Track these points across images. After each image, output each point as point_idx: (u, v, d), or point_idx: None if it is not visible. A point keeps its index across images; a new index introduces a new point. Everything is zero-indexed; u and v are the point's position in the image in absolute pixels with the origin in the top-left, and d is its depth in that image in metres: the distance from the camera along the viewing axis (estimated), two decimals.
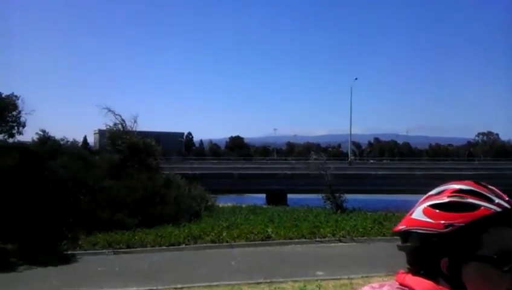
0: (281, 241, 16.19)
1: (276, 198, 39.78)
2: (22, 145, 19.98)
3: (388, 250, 14.67)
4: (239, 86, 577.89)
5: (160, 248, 15.48)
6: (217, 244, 15.84)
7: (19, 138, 18.44)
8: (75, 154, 22.56)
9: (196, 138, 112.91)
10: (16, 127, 17.00)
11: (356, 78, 66.18)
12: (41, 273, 12.77)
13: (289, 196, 44.80)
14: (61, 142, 23.36)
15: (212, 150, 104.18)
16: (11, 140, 18.37)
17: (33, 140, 21.76)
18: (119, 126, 25.45)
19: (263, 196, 46.04)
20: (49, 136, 22.11)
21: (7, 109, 16.33)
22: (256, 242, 16.03)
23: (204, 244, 15.76)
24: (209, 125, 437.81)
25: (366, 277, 11.37)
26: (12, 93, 16.68)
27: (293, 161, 58.55)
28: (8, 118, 16.59)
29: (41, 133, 21.80)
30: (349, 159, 61.56)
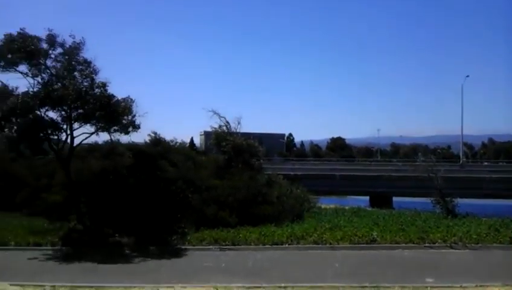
0: (387, 245, 15.72)
1: (381, 201, 38.62)
2: (136, 147, 21.59)
3: (506, 258, 13.74)
4: (340, 86, 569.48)
5: (263, 246, 15.82)
6: (319, 245, 15.80)
7: (134, 138, 19.84)
8: (184, 154, 23.91)
9: (297, 139, 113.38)
10: (131, 129, 18.27)
11: (468, 76, 61.24)
12: (154, 266, 13.73)
13: (394, 199, 43.24)
14: (171, 143, 24.89)
15: (313, 151, 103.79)
16: (126, 140, 19.84)
17: (145, 141, 23.40)
18: (224, 128, 26.43)
19: (366, 198, 44.87)
20: (160, 137, 23.64)
21: (124, 112, 17.59)
22: (361, 245, 15.73)
23: (307, 245, 15.81)
24: (310, 126, 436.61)
25: (481, 286, 10.73)
26: (128, 96, 17.89)
27: (399, 163, 56.33)
28: (123, 121, 17.87)
29: (153, 134, 23.39)
30: (461, 161, 57.65)
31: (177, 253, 15.25)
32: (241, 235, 16.63)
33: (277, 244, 15.90)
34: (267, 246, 15.82)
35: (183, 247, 15.90)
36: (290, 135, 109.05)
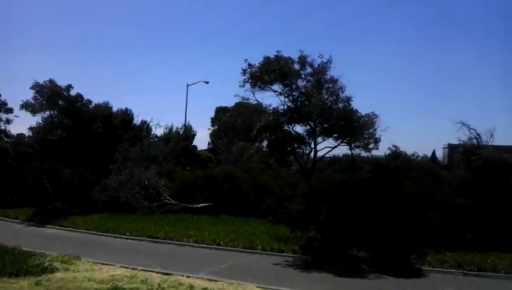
0: None
1: None
2: (375, 160, 22.38)
3: None
4: None
5: None
6: None
7: (373, 152, 20.63)
8: (425, 169, 23.59)
9: None
10: (372, 143, 19.17)
11: None
12: (392, 285, 14.06)
13: None
14: (412, 157, 24.88)
15: None
16: (365, 154, 20.79)
17: (385, 155, 23.97)
18: (474, 141, 25.17)
19: None
20: (400, 151, 23.92)
21: (365, 127, 18.61)
22: None
23: None
24: None
25: None
26: (372, 112, 18.89)
27: None
28: (365, 135, 18.90)
29: (393, 148, 23.83)
30: None
31: (416, 274, 15.26)
32: (489, 261, 15.75)
33: None
34: None
35: (421, 267, 15.86)
36: None
